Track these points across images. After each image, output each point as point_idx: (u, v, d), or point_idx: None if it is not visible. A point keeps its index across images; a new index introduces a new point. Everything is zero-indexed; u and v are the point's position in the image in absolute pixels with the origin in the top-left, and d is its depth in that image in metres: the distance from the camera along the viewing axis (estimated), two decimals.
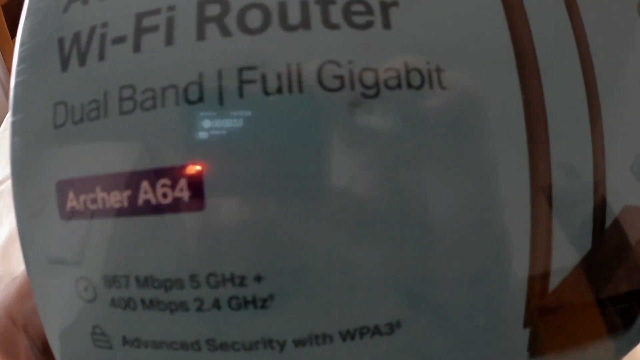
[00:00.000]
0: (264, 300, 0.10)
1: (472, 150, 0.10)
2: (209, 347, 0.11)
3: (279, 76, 0.09)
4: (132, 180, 0.10)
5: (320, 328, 0.10)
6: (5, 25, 0.81)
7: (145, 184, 0.10)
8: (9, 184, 0.26)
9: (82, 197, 0.10)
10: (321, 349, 0.10)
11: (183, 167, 0.10)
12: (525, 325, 0.11)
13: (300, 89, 0.09)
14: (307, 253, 0.10)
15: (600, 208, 0.12)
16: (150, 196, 0.10)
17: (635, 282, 0.14)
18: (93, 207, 0.10)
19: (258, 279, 0.10)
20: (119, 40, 0.09)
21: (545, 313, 0.12)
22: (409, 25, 0.09)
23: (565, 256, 0.11)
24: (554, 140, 0.11)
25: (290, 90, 0.09)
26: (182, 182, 0.10)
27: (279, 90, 0.09)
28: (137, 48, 0.09)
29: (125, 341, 0.11)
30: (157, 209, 0.10)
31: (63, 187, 0.10)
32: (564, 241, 0.11)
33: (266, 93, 0.09)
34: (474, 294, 0.11)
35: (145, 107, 0.09)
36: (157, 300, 0.10)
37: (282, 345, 0.10)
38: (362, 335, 0.10)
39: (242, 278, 0.10)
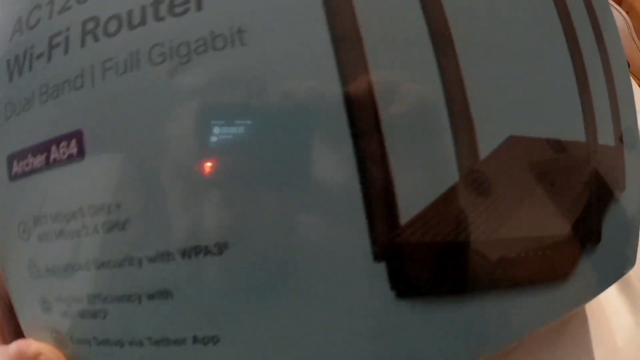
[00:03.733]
0: (124, 223, 0.14)
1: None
2: (95, 266, 0.14)
3: (125, 62, 0.13)
4: (47, 146, 0.15)
5: (164, 247, 0.14)
6: None
7: (54, 147, 0.14)
8: None
9: (21, 163, 0.15)
10: (168, 265, 0.14)
11: (72, 133, 0.14)
12: (376, 259, 0.13)
13: (138, 67, 0.13)
14: (155, 188, 0.14)
15: (466, 137, 0.13)
16: (56, 154, 0.14)
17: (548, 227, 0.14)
18: (27, 169, 0.15)
19: (118, 206, 0.14)
20: (39, 56, 0.14)
21: (402, 248, 0.13)
22: (217, 4, 0.13)
23: (417, 187, 0.13)
24: None
25: (132, 69, 0.13)
26: (73, 143, 0.14)
27: (125, 71, 0.13)
28: (48, 59, 0.14)
29: (47, 269, 0.15)
30: (60, 163, 0.14)
31: (11, 159, 0.15)
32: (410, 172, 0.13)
33: (118, 74, 0.14)
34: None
35: (42, 101, 0.14)
36: (62, 231, 0.15)
37: (140, 262, 0.14)
38: (197, 253, 0.13)
39: (109, 206, 0.14)
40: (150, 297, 0.14)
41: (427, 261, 0.14)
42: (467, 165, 0.13)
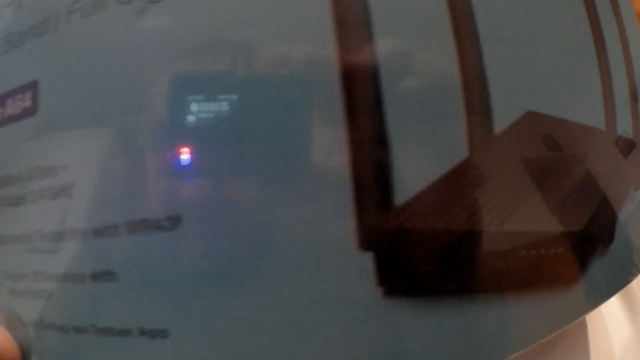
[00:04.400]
0: (70, 188, 0.12)
1: None
2: (40, 238, 0.13)
3: (92, 3, 0.12)
4: (4, 100, 0.13)
5: (110, 219, 0.12)
6: None
7: (9, 101, 0.13)
8: None
9: None
10: (113, 240, 0.12)
11: (28, 84, 0.13)
12: (361, 246, 0.11)
13: (105, 7, 0.12)
14: (107, 148, 0.12)
15: (478, 107, 0.11)
16: (10, 109, 0.13)
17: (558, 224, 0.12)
18: None
19: (65, 168, 0.12)
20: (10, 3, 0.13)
21: (395, 237, 0.11)
22: None
23: (414, 166, 0.11)
24: None
25: (98, 10, 0.12)
26: (28, 95, 0.13)
27: (91, 13, 0.12)
28: (18, 6, 0.13)
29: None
30: (14, 118, 0.13)
31: None
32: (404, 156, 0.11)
33: (83, 17, 0.12)
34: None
35: (4, 51, 0.13)
36: (8, 196, 0.13)
37: (85, 235, 0.12)
38: (145, 227, 0.11)
39: (56, 168, 0.12)
40: (94, 277, 0.12)
41: (423, 253, 0.11)
42: (478, 140, 0.11)
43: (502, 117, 0.12)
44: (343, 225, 0.11)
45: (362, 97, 0.11)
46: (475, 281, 0.11)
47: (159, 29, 0.11)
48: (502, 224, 0.11)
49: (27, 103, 0.13)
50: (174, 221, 0.11)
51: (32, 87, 0.12)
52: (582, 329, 0.17)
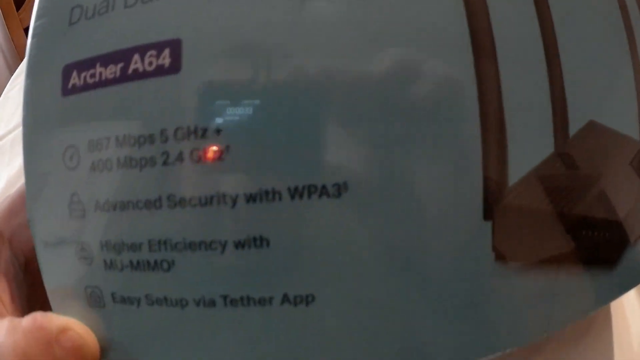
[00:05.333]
0: (222, 152, 0.11)
1: None
2: (169, 204, 0.12)
3: None
4: (126, 55, 0.12)
5: (270, 184, 0.11)
6: None
7: (136, 57, 0.12)
8: (6, 140, 0.27)
9: (83, 74, 0.12)
10: (270, 206, 0.11)
11: (167, 41, 0.12)
12: (485, 217, 0.12)
13: None
14: (262, 111, 0.12)
15: (560, 114, 0.13)
16: (138, 65, 0.12)
17: (609, 211, 0.14)
18: (91, 80, 0.12)
19: (217, 131, 0.11)
20: None
21: (506, 210, 0.12)
22: None
23: (522, 155, 0.12)
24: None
25: None
26: (166, 52, 0.12)
27: None
28: None
29: (97, 206, 0.12)
30: (142, 75, 0.12)
31: (68, 69, 0.13)
32: (519, 140, 0.12)
33: None
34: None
35: (129, 4, 0.12)
36: (130, 157, 0.12)
37: (235, 201, 0.11)
38: (310, 194, 0.11)
39: (204, 130, 0.11)
40: (239, 245, 0.12)
41: (527, 226, 0.13)
42: (560, 139, 0.13)
43: (574, 124, 0.14)
44: (474, 197, 0.12)
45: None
46: (557, 252, 0.13)
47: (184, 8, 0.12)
48: (572, 209, 0.14)
49: (165, 61, 0.12)
50: (341, 188, 0.11)
51: (173, 45, 0.12)
52: (608, 321, 0.19)
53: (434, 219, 0.12)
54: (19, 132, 0.27)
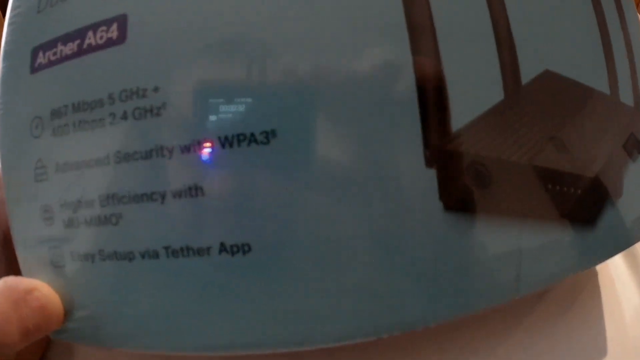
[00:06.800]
0: (159, 108, 0.12)
1: None
2: (116, 160, 0.13)
3: None
4: (82, 33, 0.14)
5: (202, 135, 0.12)
6: None
7: (90, 33, 0.13)
8: None
9: (47, 53, 0.14)
10: (202, 155, 0.12)
11: (115, 16, 0.13)
12: (427, 164, 0.12)
13: None
14: (193, 69, 0.12)
15: (510, 62, 0.13)
16: (92, 40, 0.13)
17: (575, 165, 0.14)
18: (53, 58, 0.14)
19: (156, 89, 0.12)
20: None
21: (449, 156, 0.12)
22: None
23: (466, 98, 0.13)
24: None
25: None
26: (114, 26, 0.13)
27: None
28: None
29: (57, 168, 0.13)
30: (95, 48, 0.13)
31: (36, 50, 0.14)
32: (462, 81, 0.12)
33: None
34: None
35: None
36: (84, 120, 0.13)
37: (171, 152, 0.12)
38: (239, 142, 0.12)
39: (145, 90, 0.12)
40: (177, 194, 0.12)
41: (474, 173, 0.13)
42: (511, 87, 0.13)
43: (527, 73, 0.14)
44: (413, 145, 0.12)
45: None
46: (514, 202, 0.13)
47: None
48: (532, 159, 0.13)
49: (113, 34, 0.13)
50: (269, 135, 0.12)
51: (120, 19, 0.13)
52: (596, 292, 0.18)
53: (370, 166, 0.12)
54: None
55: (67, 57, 0.14)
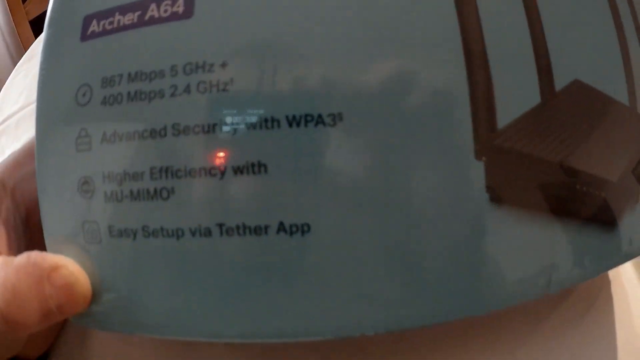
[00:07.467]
0: (226, 84, 0.12)
1: None
2: (174, 132, 0.12)
3: None
4: (144, 4, 0.13)
5: (270, 112, 0.12)
6: None
7: (153, 5, 0.13)
8: (10, 122, 0.27)
9: (102, 22, 0.14)
10: (269, 133, 0.12)
11: None
12: (477, 156, 0.13)
13: None
14: (264, 49, 0.12)
15: (545, 68, 0.14)
16: (154, 12, 0.13)
17: (601, 169, 0.15)
18: (109, 27, 0.13)
19: (223, 65, 0.12)
20: None
21: (498, 151, 0.13)
22: None
23: (510, 100, 0.13)
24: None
25: None
26: (180, 1, 0.13)
27: None
28: None
29: (104, 138, 0.13)
30: (158, 20, 0.13)
31: (89, 18, 0.14)
32: (505, 88, 0.13)
33: None
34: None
35: None
36: (140, 91, 0.13)
37: (236, 129, 0.12)
38: (306, 122, 0.12)
39: (212, 65, 0.12)
40: (238, 170, 0.12)
41: (520, 170, 0.13)
42: (546, 92, 0.14)
43: (560, 81, 0.15)
44: (465, 138, 0.13)
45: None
46: (551, 200, 0.14)
47: None
48: (563, 160, 0.14)
49: (179, 8, 0.13)
50: (336, 117, 0.12)
51: None
52: (609, 301, 0.19)
53: (427, 151, 0.12)
54: (22, 114, 0.28)
55: (125, 27, 0.13)
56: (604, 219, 0.15)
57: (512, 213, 0.13)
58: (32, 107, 0.27)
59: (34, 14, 0.79)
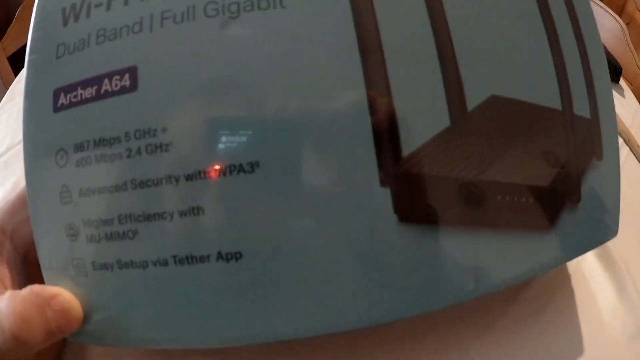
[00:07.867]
0: (167, 145, 0.15)
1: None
2: (132, 186, 0.16)
3: (182, 14, 0.16)
4: (99, 79, 0.16)
5: (202, 166, 0.15)
6: None
7: (106, 80, 0.16)
8: (7, 156, 0.31)
9: (68, 95, 0.17)
10: (203, 182, 0.15)
11: (127, 67, 0.16)
12: (382, 184, 0.15)
13: (194, 18, 0.16)
14: (198, 115, 0.15)
15: (455, 91, 0.16)
16: (108, 87, 0.16)
17: (528, 178, 0.16)
18: (74, 100, 0.17)
19: (164, 130, 0.15)
20: (98, 5, 0.17)
21: (402, 178, 0.15)
22: None
23: (415, 127, 0.15)
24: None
25: (188, 20, 0.16)
26: (127, 76, 0.16)
27: (181, 21, 0.16)
28: (107, 8, 0.17)
29: (80, 193, 0.16)
30: (111, 94, 0.16)
31: (58, 92, 0.17)
32: (411, 116, 0.15)
33: (175, 23, 0.16)
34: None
35: (99, 42, 0.16)
36: (104, 154, 0.16)
37: (177, 180, 0.15)
38: (231, 171, 0.15)
39: (155, 130, 0.15)
40: (182, 213, 0.15)
41: (424, 191, 0.16)
42: (456, 114, 0.16)
43: (473, 100, 0.17)
44: (369, 168, 0.15)
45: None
46: (462, 215, 0.16)
47: (237, 37, 0.16)
48: (480, 174, 0.16)
49: (126, 83, 0.16)
50: (254, 165, 0.15)
51: (131, 70, 0.16)
52: (569, 295, 0.19)
53: (336, 188, 0.15)
54: (9, 155, 0.31)
55: (87, 100, 0.16)
56: (534, 223, 0.17)
57: (424, 229, 0.16)
58: (18, 149, 0.29)
59: (12, 50, 0.78)
